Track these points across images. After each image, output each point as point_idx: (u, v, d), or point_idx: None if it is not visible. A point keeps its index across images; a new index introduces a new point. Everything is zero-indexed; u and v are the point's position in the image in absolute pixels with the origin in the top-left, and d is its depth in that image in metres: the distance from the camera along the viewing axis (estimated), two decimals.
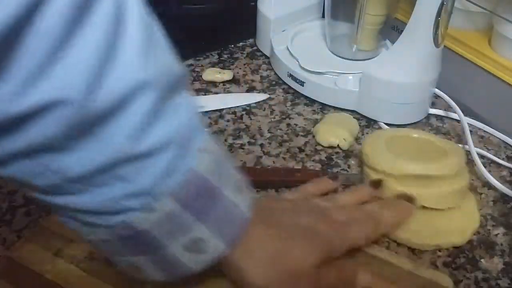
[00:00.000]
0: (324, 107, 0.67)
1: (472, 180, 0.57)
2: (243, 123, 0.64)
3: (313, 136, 0.62)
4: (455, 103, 0.63)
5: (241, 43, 0.79)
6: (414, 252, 0.49)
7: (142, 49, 0.30)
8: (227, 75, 0.71)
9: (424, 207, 0.51)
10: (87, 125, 0.29)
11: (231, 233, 0.37)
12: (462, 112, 0.62)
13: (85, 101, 0.28)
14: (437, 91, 0.65)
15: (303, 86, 0.67)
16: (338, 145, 0.60)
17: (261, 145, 0.61)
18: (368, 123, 0.65)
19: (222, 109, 0.66)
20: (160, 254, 0.35)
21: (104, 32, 0.29)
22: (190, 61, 0.74)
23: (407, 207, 0.50)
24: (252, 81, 0.71)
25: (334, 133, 0.61)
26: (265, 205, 0.44)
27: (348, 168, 0.58)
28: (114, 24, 0.29)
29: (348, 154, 0.58)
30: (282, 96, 0.69)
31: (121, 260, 0.37)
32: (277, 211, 0.43)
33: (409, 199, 0.50)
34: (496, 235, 0.52)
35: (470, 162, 0.59)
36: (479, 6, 0.65)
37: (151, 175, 0.32)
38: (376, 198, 0.51)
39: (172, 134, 0.33)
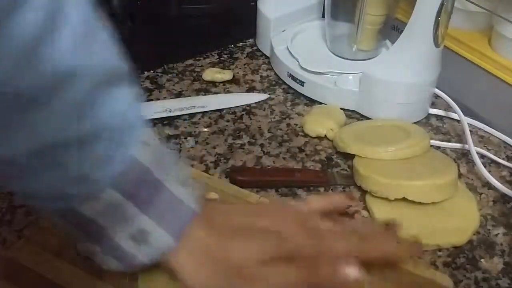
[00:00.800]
0: None
1: (472, 180, 0.57)
2: (243, 123, 0.64)
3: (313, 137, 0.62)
4: (455, 103, 0.63)
5: (241, 43, 0.79)
6: None
7: (80, 37, 0.31)
8: (227, 75, 0.71)
9: (423, 208, 0.51)
10: (19, 107, 0.30)
11: (175, 226, 0.37)
12: (462, 112, 0.62)
13: (14, 80, 0.29)
14: (437, 91, 0.65)
15: (303, 86, 0.67)
16: (325, 135, 0.62)
17: (261, 145, 0.61)
18: None
19: (222, 109, 0.66)
20: (108, 243, 0.36)
21: (44, 13, 0.29)
22: (190, 61, 0.74)
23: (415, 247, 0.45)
24: (252, 81, 0.71)
25: (322, 123, 0.62)
26: (216, 207, 0.42)
27: (348, 168, 0.58)
28: (54, 7, 0.29)
29: (348, 154, 0.58)
30: (282, 96, 0.69)
31: (80, 245, 0.38)
32: (228, 212, 0.42)
33: (394, 226, 0.46)
34: (496, 235, 0.52)
35: (470, 162, 0.60)
36: (479, 6, 0.65)
37: (89, 161, 0.33)
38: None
39: (109, 122, 0.33)
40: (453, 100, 0.63)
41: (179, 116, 0.64)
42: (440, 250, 0.50)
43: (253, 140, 0.62)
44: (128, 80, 0.35)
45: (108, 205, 0.34)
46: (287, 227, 0.41)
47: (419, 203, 0.51)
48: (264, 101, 0.68)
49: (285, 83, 0.70)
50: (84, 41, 0.31)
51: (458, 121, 0.64)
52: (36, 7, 0.28)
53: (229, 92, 0.69)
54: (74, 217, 0.35)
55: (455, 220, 0.51)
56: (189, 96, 0.68)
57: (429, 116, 0.67)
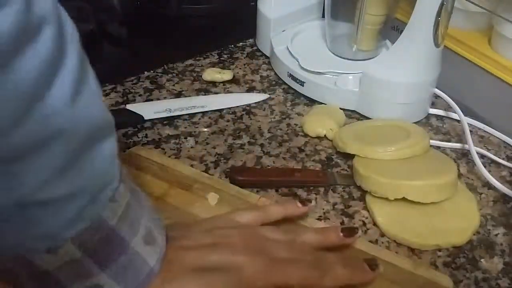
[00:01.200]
0: None
1: (472, 180, 0.58)
2: (243, 123, 0.64)
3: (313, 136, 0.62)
4: (455, 103, 0.63)
5: (241, 43, 0.79)
6: (414, 252, 0.49)
7: (75, 85, 0.30)
8: (227, 75, 0.71)
9: (423, 207, 0.51)
10: (1, 162, 0.28)
11: (133, 285, 0.36)
12: (462, 112, 0.62)
13: (9, 132, 0.27)
14: (437, 91, 0.65)
15: (303, 86, 0.67)
16: (325, 135, 0.62)
17: (261, 145, 0.61)
18: None
19: (222, 109, 0.66)
20: None
21: (44, 63, 0.28)
22: (190, 61, 0.74)
23: (366, 272, 0.44)
24: (252, 81, 0.71)
25: (321, 123, 0.62)
26: (177, 244, 0.41)
27: (348, 168, 0.58)
28: (53, 59, 0.28)
29: (348, 154, 0.58)
30: (282, 96, 0.69)
31: None
32: (182, 247, 0.41)
33: (373, 262, 0.45)
34: (496, 235, 0.52)
35: (470, 162, 0.60)
36: (479, 6, 0.65)
37: (59, 220, 0.32)
38: (344, 246, 0.47)
39: (86, 183, 0.32)
40: (453, 100, 0.63)
41: (179, 116, 0.64)
42: (440, 250, 0.50)
43: (253, 140, 0.62)
44: (111, 131, 0.34)
45: (66, 260, 0.33)
46: (237, 259, 0.41)
47: (419, 203, 0.51)
48: (264, 101, 0.68)
49: (285, 83, 0.70)
50: (77, 90, 0.30)
51: (458, 121, 0.64)
52: (42, 51, 0.27)
53: (229, 92, 0.69)
54: (29, 268, 0.33)
55: (455, 220, 0.51)
56: (189, 96, 0.68)
57: (429, 116, 0.67)
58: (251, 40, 0.79)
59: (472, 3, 0.66)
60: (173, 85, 0.70)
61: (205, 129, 0.63)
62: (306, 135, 0.62)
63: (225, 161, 0.58)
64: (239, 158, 0.59)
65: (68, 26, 0.30)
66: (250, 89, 0.70)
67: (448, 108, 0.66)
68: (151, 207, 0.39)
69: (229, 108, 0.66)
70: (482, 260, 0.49)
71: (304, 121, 0.63)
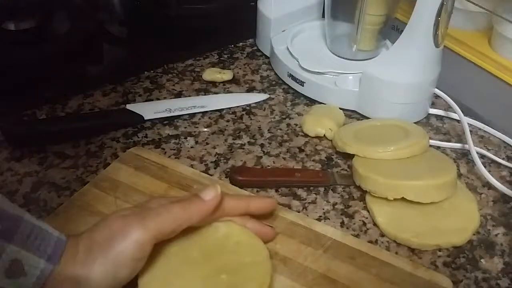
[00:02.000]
0: None
1: (472, 180, 0.58)
2: (243, 123, 0.64)
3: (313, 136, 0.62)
4: (455, 103, 0.63)
5: (241, 43, 0.79)
6: (414, 252, 0.49)
7: None
8: (227, 75, 0.71)
9: (423, 207, 0.51)
10: None
11: (46, 248, 0.37)
12: (462, 112, 0.62)
13: None
14: (437, 91, 0.65)
15: (303, 86, 0.67)
16: (324, 135, 0.62)
17: (261, 145, 0.61)
18: None
19: (222, 109, 0.66)
20: None
21: None
22: (190, 61, 0.74)
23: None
24: (252, 81, 0.71)
25: (320, 123, 0.62)
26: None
27: (348, 168, 0.58)
28: None
29: (348, 154, 0.58)
30: (282, 96, 0.69)
31: None
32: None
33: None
34: (496, 235, 0.52)
35: (470, 162, 0.60)
36: (479, 6, 0.65)
37: None
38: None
39: None
40: (453, 100, 0.63)
41: (179, 116, 0.64)
42: (440, 250, 0.50)
43: (253, 140, 0.62)
44: None
45: None
46: None
47: (419, 203, 0.51)
48: (264, 101, 0.68)
49: (285, 83, 0.70)
50: None
51: (458, 121, 0.64)
52: None
53: (229, 92, 0.69)
54: None
55: (455, 220, 0.51)
56: (189, 96, 0.68)
57: (429, 116, 0.67)
58: (251, 40, 0.79)
59: (472, 3, 0.66)
60: (173, 85, 0.70)
61: (205, 129, 0.63)
62: (306, 135, 0.62)
63: (225, 161, 0.58)
64: (239, 158, 0.59)
65: None
66: (250, 89, 0.70)
67: (448, 108, 0.66)
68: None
69: (229, 108, 0.66)
70: (482, 260, 0.49)
71: (304, 121, 0.63)
